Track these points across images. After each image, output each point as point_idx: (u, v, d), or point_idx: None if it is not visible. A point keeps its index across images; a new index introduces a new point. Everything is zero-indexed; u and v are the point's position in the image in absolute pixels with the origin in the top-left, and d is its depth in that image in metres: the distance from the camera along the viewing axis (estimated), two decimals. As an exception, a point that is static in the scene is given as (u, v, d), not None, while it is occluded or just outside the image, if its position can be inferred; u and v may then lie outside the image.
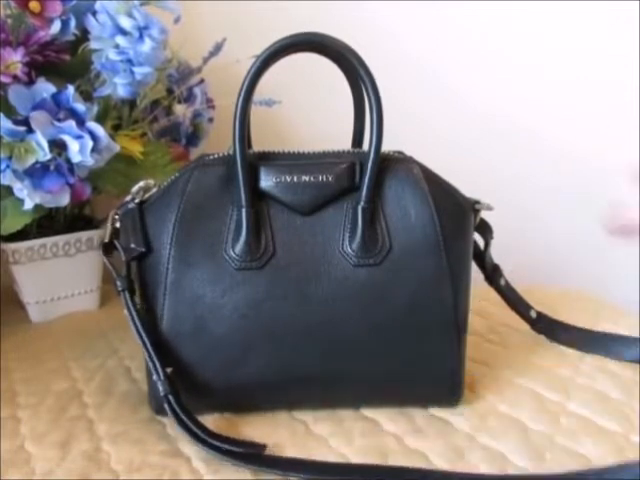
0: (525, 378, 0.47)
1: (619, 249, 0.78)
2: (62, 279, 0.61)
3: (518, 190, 0.78)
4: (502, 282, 0.50)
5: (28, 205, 0.50)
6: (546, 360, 0.51)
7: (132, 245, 0.39)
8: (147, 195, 0.41)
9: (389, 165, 0.40)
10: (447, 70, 0.78)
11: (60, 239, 0.59)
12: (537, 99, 0.77)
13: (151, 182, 0.41)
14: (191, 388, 0.39)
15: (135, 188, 0.40)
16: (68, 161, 0.51)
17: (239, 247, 0.38)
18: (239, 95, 0.38)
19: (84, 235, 0.60)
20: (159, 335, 0.39)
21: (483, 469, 0.36)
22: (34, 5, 0.50)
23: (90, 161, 0.50)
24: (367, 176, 0.39)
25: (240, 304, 0.39)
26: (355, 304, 0.39)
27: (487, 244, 0.47)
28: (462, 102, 0.78)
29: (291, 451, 0.37)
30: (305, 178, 0.39)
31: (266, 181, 0.39)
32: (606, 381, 0.47)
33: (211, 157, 0.40)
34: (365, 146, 0.41)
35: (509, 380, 0.47)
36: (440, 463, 0.36)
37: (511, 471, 0.36)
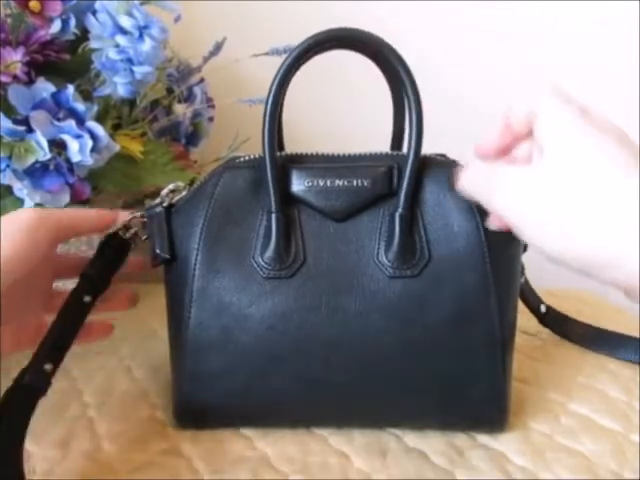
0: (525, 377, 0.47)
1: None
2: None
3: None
4: (522, 280, 0.50)
5: (28, 205, 0.50)
6: (546, 360, 0.51)
7: (157, 251, 0.38)
8: (176, 198, 0.39)
9: (430, 169, 0.37)
10: (449, 68, 0.78)
11: (60, 239, 0.59)
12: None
13: (180, 184, 0.39)
14: (213, 400, 0.38)
15: (164, 191, 0.39)
16: (68, 161, 0.51)
17: (268, 254, 0.37)
18: (268, 95, 0.36)
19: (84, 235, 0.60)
20: (183, 343, 0.38)
21: (483, 468, 0.36)
22: (34, 4, 0.50)
23: (90, 161, 0.50)
24: (405, 181, 0.36)
25: (268, 315, 0.36)
26: (390, 318, 0.36)
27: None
28: (469, 102, 0.78)
29: (291, 449, 0.37)
30: (339, 182, 0.37)
31: (298, 185, 0.37)
32: (606, 380, 0.47)
33: (241, 159, 0.38)
34: (404, 149, 0.38)
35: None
36: (440, 462, 0.36)
37: (511, 470, 0.36)
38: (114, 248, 0.40)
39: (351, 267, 0.37)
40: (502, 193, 0.29)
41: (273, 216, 0.36)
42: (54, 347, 0.36)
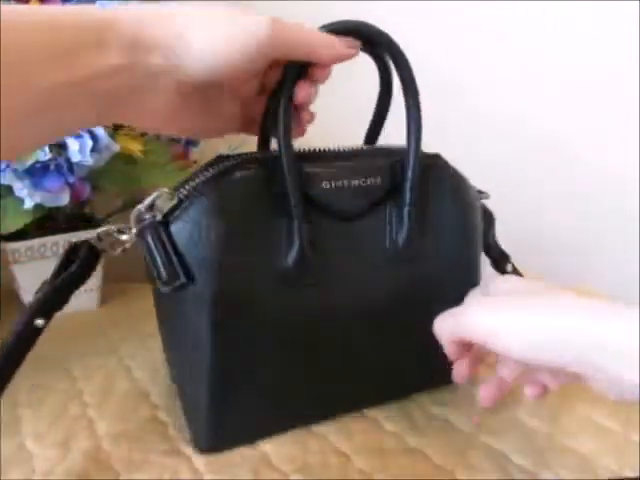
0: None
1: (619, 249, 0.78)
2: (62, 278, 0.61)
3: (519, 189, 0.78)
4: (509, 268, 0.50)
5: (28, 204, 0.51)
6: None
7: (163, 275, 0.32)
8: (167, 208, 0.33)
9: (422, 163, 0.38)
10: (456, 70, 0.78)
11: (60, 238, 0.59)
12: (542, 99, 0.77)
13: (165, 190, 0.33)
14: (245, 416, 0.37)
15: (147, 201, 0.33)
16: (68, 160, 0.51)
17: (289, 262, 0.34)
18: (280, 90, 0.34)
19: (84, 234, 0.60)
20: (207, 366, 0.34)
21: (483, 468, 0.36)
22: (33, 4, 0.50)
23: (90, 160, 0.50)
24: (411, 176, 0.37)
25: (285, 321, 0.36)
26: (403, 315, 0.39)
27: (489, 231, 0.47)
28: (470, 102, 0.78)
29: (291, 449, 0.37)
30: (355, 182, 0.36)
31: (315, 188, 0.35)
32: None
33: (232, 157, 0.35)
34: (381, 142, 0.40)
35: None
36: (440, 462, 0.36)
37: (511, 470, 0.36)
38: (82, 259, 0.35)
39: (365, 266, 0.37)
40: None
41: (295, 224, 0.34)
42: None
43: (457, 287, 0.38)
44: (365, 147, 0.40)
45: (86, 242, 0.35)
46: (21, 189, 0.50)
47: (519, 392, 0.44)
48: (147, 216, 0.33)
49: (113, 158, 0.54)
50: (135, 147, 0.56)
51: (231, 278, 0.34)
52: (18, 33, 0.25)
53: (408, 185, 0.37)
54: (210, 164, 0.35)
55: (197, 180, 0.34)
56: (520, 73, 0.77)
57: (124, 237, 0.34)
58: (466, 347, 0.35)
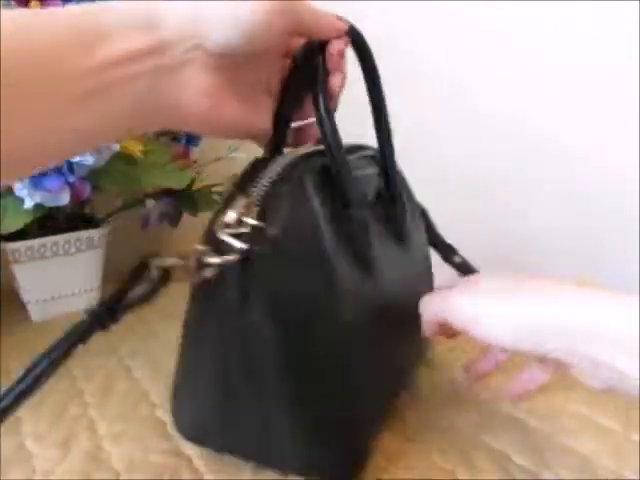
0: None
1: (619, 249, 0.78)
2: (62, 278, 0.61)
3: (519, 189, 0.78)
4: (457, 259, 0.49)
5: (28, 204, 0.50)
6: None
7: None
8: (253, 218, 0.29)
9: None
10: (456, 70, 0.78)
11: (60, 238, 0.59)
12: (542, 99, 0.77)
13: (244, 199, 0.30)
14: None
15: (231, 216, 0.29)
16: (68, 160, 0.51)
17: (351, 259, 0.33)
18: (317, 83, 0.32)
19: (84, 234, 0.60)
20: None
21: (485, 468, 0.36)
22: (34, 5, 0.50)
23: (90, 160, 0.50)
24: (391, 166, 0.38)
25: (349, 321, 0.33)
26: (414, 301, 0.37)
27: (431, 225, 0.49)
28: (470, 102, 0.78)
29: (292, 450, 0.37)
30: (369, 171, 0.38)
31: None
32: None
33: (303, 152, 0.33)
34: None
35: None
36: (441, 462, 0.36)
37: (512, 470, 0.36)
38: (154, 285, 0.32)
39: (386, 256, 0.38)
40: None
41: (352, 217, 0.33)
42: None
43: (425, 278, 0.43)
44: (354, 144, 0.41)
45: (162, 268, 0.30)
46: (21, 189, 0.50)
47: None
48: (244, 229, 0.29)
49: (113, 158, 0.53)
50: (135, 147, 0.56)
51: (333, 273, 0.31)
52: (32, 34, 0.25)
53: (392, 172, 0.39)
54: (258, 167, 0.32)
55: (265, 183, 0.31)
56: (520, 73, 0.77)
57: (216, 260, 0.29)
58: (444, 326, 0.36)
